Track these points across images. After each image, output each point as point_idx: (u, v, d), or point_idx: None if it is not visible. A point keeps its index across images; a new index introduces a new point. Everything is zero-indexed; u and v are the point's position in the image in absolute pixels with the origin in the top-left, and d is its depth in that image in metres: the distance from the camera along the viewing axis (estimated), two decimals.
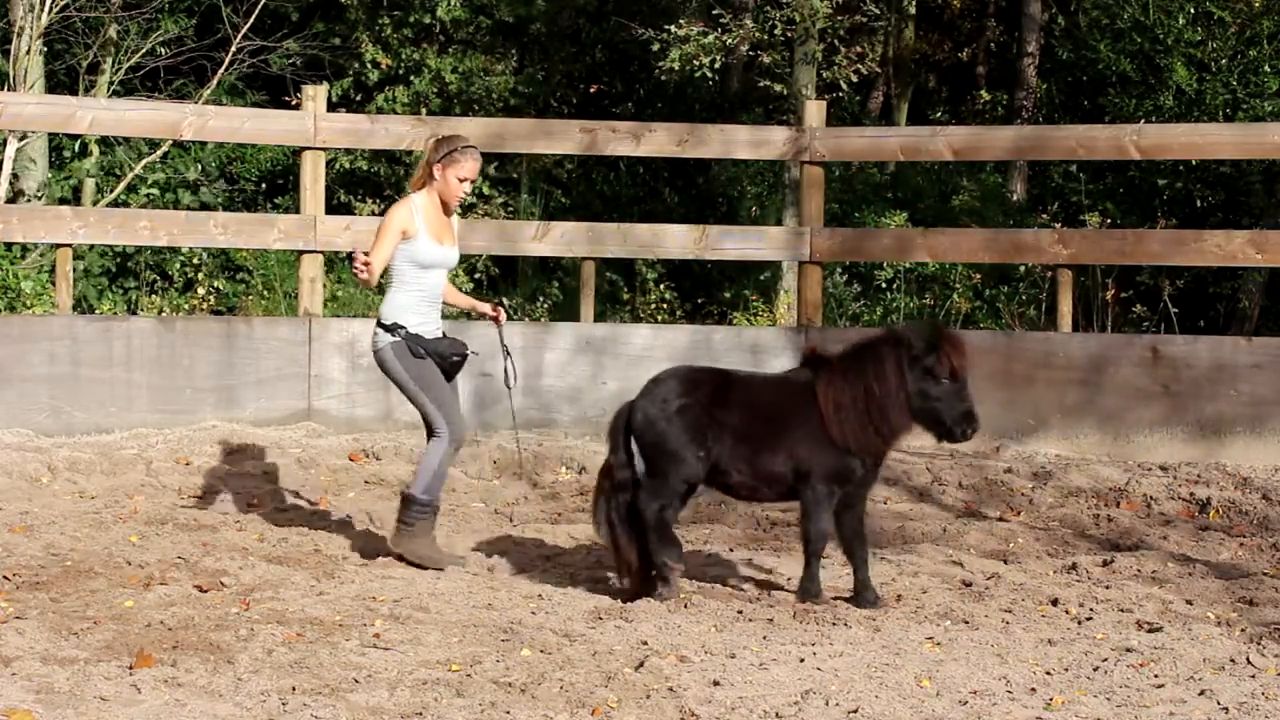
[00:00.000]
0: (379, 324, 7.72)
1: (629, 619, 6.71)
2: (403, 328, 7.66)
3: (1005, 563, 8.09)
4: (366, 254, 7.58)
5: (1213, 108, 16.57)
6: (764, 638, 6.45)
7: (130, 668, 5.81)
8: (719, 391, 7.20)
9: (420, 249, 7.67)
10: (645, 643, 6.35)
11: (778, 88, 17.18)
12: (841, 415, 7.04)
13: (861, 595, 7.17)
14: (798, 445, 7.12)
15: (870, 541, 8.56)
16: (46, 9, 15.15)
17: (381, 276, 7.81)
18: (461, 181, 7.78)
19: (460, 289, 16.93)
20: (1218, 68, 16.91)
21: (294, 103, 16.47)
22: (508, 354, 8.17)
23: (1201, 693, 5.75)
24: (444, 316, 8.03)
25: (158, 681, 5.67)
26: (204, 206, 16.32)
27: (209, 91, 16.14)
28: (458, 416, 7.74)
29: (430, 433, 7.78)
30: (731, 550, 8.36)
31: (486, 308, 8.18)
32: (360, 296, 16.34)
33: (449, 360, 7.75)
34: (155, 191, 15.90)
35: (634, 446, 7.19)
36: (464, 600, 7.08)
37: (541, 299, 16.90)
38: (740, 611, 6.94)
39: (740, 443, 7.14)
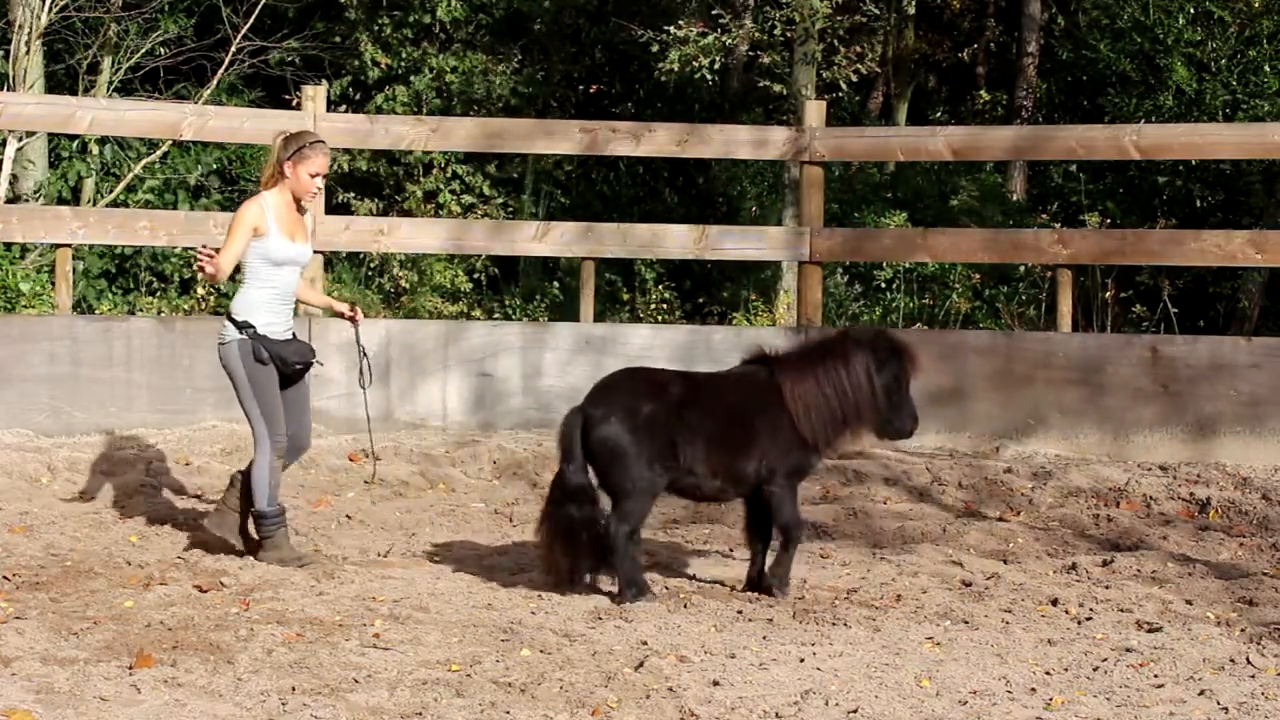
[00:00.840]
0: (229, 318, 7.72)
1: (629, 619, 6.72)
2: (251, 326, 7.67)
3: (1005, 563, 8.09)
4: (215, 249, 7.58)
5: (1213, 108, 16.58)
6: (764, 638, 6.46)
7: (130, 668, 5.82)
8: (687, 394, 7.13)
9: (272, 246, 7.68)
10: (645, 643, 6.36)
11: (777, 88, 17.17)
12: (813, 415, 7.10)
13: (763, 583, 7.35)
14: (768, 445, 7.14)
15: (870, 542, 8.59)
16: (46, 9, 15.14)
17: (235, 274, 7.81)
18: (313, 177, 7.78)
19: (459, 288, 17.04)
20: (1218, 68, 16.91)
21: (294, 102, 16.47)
22: (364, 354, 8.22)
23: (1201, 693, 5.75)
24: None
25: (158, 681, 5.68)
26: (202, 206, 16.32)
27: (209, 91, 16.13)
28: (281, 425, 7.74)
29: (254, 441, 7.79)
30: (731, 550, 8.36)
31: (344, 307, 8.20)
32: (359, 297, 16.34)
33: (291, 366, 7.75)
34: (152, 197, 15.88)
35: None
36: (464, 600, 7.08)
37: (541, 299, 16.90)
38: (740, 611, 6.94)
39: (715, 447, 7.10)
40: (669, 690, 5.69)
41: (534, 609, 6.93)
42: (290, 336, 7.81)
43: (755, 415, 7.16)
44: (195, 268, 7.77)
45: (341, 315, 8.21)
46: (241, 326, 7.66)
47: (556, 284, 17.53)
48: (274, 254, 7.69)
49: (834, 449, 7.40)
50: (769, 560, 7.38)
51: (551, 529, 7.08)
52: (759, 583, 7.36)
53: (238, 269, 7.78)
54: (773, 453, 7.15)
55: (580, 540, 7.02)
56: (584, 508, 7.03)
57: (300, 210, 7.88)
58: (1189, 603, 7.22)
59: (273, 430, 7.70)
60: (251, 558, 7.76)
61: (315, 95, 11.35)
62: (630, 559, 7.09)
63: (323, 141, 7.87)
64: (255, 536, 7.88)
